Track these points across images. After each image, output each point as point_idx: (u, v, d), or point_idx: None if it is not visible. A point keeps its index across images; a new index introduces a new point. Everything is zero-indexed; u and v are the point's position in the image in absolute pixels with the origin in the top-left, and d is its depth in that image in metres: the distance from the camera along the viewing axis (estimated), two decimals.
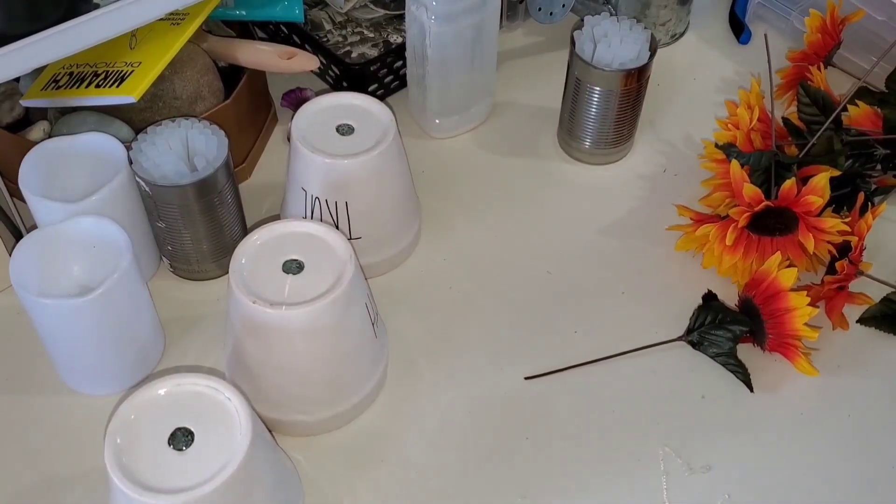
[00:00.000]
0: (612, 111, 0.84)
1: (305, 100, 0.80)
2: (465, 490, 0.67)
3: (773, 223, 0.74)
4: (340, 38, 0.95)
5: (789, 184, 0.71)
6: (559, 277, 0.80)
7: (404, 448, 0.69)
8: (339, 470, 0.68)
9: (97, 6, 0.70)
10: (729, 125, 0.80)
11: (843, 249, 0.74)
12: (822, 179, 0.71)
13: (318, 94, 0.90)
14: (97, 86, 0.75)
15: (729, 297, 0.76)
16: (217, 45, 0.84)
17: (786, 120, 0.83)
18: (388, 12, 0.96)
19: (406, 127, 0.90)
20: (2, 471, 0.67)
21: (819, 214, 0.72)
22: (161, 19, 0.76)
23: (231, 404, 0.55)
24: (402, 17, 0.94)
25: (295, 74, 0.89)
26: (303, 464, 0.68)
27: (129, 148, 0.72)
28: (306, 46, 0.93)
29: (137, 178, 0.71)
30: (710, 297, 0.76)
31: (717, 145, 0.79)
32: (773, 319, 0.71)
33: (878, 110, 0.81)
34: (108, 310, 0.65)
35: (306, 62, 0.83)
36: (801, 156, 0.78)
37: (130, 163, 0.71)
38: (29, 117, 0.82)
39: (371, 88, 0.92)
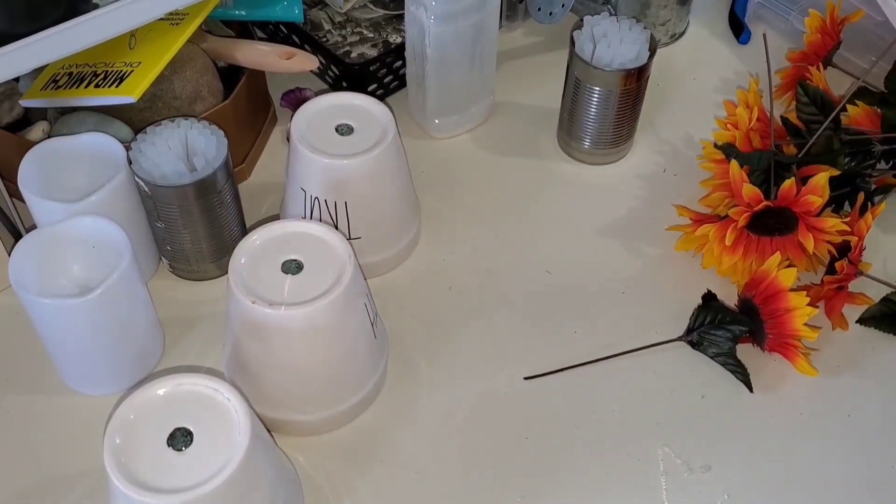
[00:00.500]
0: (611, 111, 0.84)
1: (305, 100, 0.80)
2: (465, 490, 0.67)
3: (772, 223, 0.74)
4: (340, 38, 0.95)
5: (789, 183, 0.71)
6: (559, 277, 0.80)
7: (403, 448, 0.69)
8: (338, 470, 0.68)
9: (96, 6, 0.70)
10: (728, 125, 0.80)
11: (843, 249, 0.74)
12: (821, 179, 0.71)
13: (317, 94, 0.90)
14: (96, 86, 0.75)
15: (728, 297, 0.76)
16: (216, 44, 0.84)
17: (784, 119, 0.83)
18: (387, 12, 0.96)
19: (405, 127, 0.90)
20: (1, 470, 0.67)
21: (818, 214, 0.72)
22: (160, 19, 0.76)
23: (230, 404, 0.55)
24: (401, 17, 0.94)
25: (294, 74, 0.89)
26: (302, 464, 0.68)
27: (128, 148, 0.72)
28: (306, 46, 0.93)
29: (137, 179, 0.71)
30: (709, 297, 0.76)
31: (716, 145, 0.79)
32: (772, 319, 0.71)
33: (878, 110, 0.81)
34: (108, 310, 0.65)
35: (306, 62, 0.83)
36: (800, 155, 0.78)
37: (130, 163, 0.71)
38: (28, 117, 0.82)
39: (370, 88, 0.92)
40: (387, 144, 0.72)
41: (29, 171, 0.71)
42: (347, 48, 0.94)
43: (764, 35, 0.80)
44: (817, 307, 0.70)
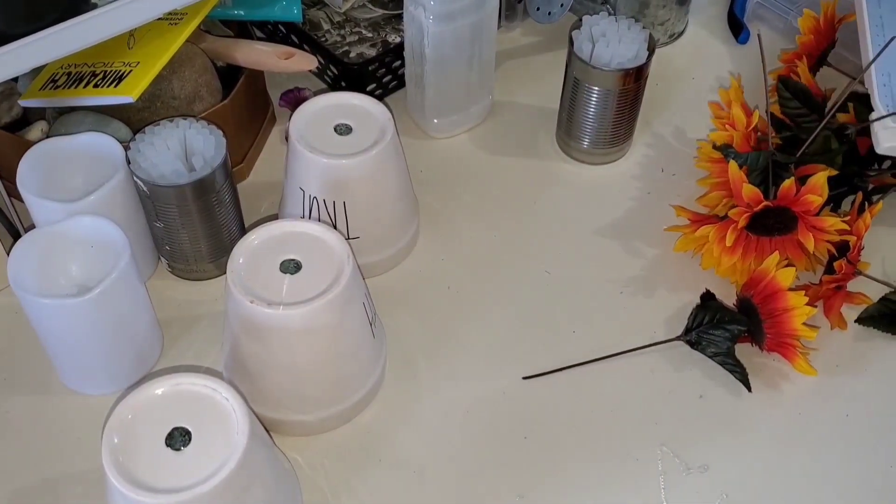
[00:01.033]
0: (610, 111, 0.84)
1: (304, 99, 0.80)
2: (464, 489, 0.67)
3: (771, 223, 0.74)
4: (339, 38, 0.95)
5: (788, 183, 0.71)
6: (557, 277, 0.80)
7: (402, 448, 0.69)
8: (337, 469, 0.68)
9: (95, 6, 0.70)
10: (726, 125, 0.80)
11: (842, 249, 0.74)
12: (820, 178, 0.71)
13: (316, 93, 0.90)
14: (95, 86, 0.75)
15: (727, 296, 0.76)
16: (215, 44, 0.84)
17: (770, 114, 0.83)
18: (386, 12, 0.96)
19: (404, 127, 0.90)
20: (0, 470, 0.67)
21: (817, 214, 0.72)
22: (159, 19, 0.76)
23: (229, 404, 0.55)
24: (400, 17, 0.94)
25: (293, 74, 0.89)
26: (300, 463, 0.68)
27: (127, 148, 0.72)
28: (304, 46, 0.93)
29: (135, 178, 0.71)
30: (708, 297, 0.76)
31: (714, 146, 0.79)
32: (771, 319, 0.71)
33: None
34: (106, 309, 0.65)
35: (304, 62, 0.83)
36: (798, 155, 0.78)
37: (128, 163, 0.71)
38: (27, 117, 0.82)
39: (369, 88, 0.92)
40: (385, 144, 0.72)
41: (28, 171, 0.71)
42: (346, 48, 0.94)
43: (759, 35, 0.80)
44: (816, 307, 0.70)
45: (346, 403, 0.69)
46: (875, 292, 0.76)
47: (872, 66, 0.79)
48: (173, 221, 0.73)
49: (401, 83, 0.94)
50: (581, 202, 0.86)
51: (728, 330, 0.72)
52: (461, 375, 0.73)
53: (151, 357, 0.73)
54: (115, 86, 0.74)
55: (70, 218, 0.68)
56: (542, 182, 0.88)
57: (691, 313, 0.74)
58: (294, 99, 0.91)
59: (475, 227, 0.84)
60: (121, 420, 0.55)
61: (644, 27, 0.83)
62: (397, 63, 0.93)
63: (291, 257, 0.64)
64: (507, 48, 1.00)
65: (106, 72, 0.76)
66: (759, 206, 0.72)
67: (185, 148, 0.73)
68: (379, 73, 0.92)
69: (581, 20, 0.84)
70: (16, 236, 0.78)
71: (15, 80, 0.82)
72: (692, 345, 0.74)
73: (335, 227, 0.68)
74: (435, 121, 0.90)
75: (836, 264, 0.73)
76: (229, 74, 0.85)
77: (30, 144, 0.73)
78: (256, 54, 0.83)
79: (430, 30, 0.81)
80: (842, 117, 0.82)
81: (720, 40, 1.02)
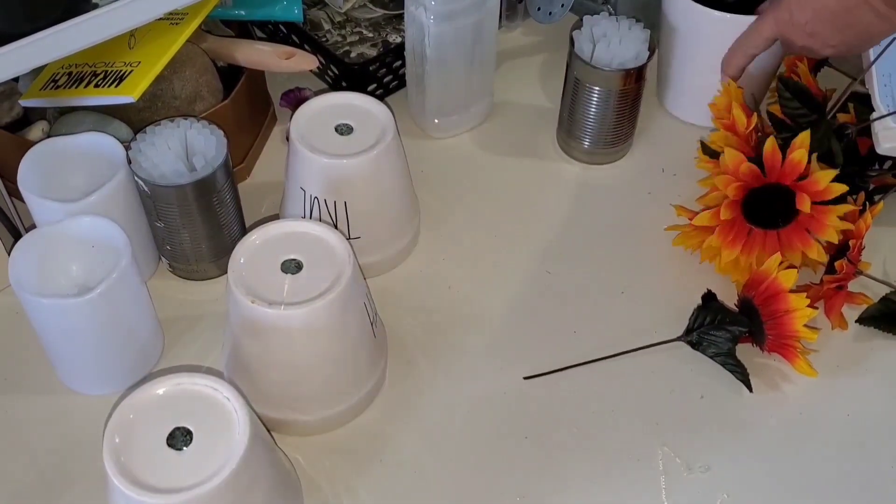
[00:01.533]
0: (610, 111, 0.84)
1: (304, 99, 0.80)
2: (464, 489, 0.67)
3: (773, 211, 0.73)
4: (339, 38, 0.95)
5: (770, 146, 0.71)
6: (558, 277, 0.80)
7: (403, 448, 0.69)
8: (337, 469, 0.68)
9: (96, 6, 0.70)
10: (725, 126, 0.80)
11: (842, 249, 0.74)
12: (802, 137, 0.71)
13: (316, 93, 0.90)
14: (96, 85, 0.75)
15: (728, 297, 0.76)
16: (216, 44, 0.84)
17: (770, 114, 0.83)
18: (386, 12, 0.96)
19: (405, 127, 0.90)
20: (0, 470, 0.67)
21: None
22: (160, 19, 0.76)
23: (230, 404, 0.55)
24: (401, 17, 0.94)
25: (294, 74, 0.89)
26: (301, 463, 0.68)
27: (127, 148, 0.72)
28: (305, 46, 0.93)
29: (136, 178, 0.71)
30: (709, 298, 0.76)
31: (703, 151, 0.79)
32: (772, 320, 0.71)
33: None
34: (107, 309, 0.65)
35: (305, 62, 0.83)
36: None
37: (129, 162, 0.71)
38: (28, 117, 0.82)
39: (370, 88, 0.92)
40: (386, 144, 0.72)
41: (28, 171, 0.71)
42: (347, 48, 0.94)
43: None
44: (817, 307, 0.70)
45: (347, 403, 0.69)
46: (876, 292, 0.76)
47: (873, 67, 0.79)
48: (174, 221, 0.73)
49: (402, 83, 0.94)
50: (582, 202, 0.86)
51: (729, 331, 0.72)
52: (462, 375, 0.73)
53: (152, 357, 0.73)
54: (116, 86, 0.74)
55: (71, 218, 0.68)
56: (542, 182, 0.88)
57: (692, 314, 0.74)
58: (295, 99, 0.91)
59: (476, 227, 0.84)
60: (122, 420, 0.55)
61: (645, 27, 0.83)
62: (398, 63, 0.93)
63: (292, 257, 0.64)
64: (508, 48, 1.00)
65: (107, 72, 0.76)
66: (746, 171, 0.72)
67: (185, 148, 0.73)
68: (380, 73, 0.92)
69: (582, 20, 0.84)
70: (16, 236, 0.78)
71: (16, 79, 0.82)
72: (693, 345, 0.74)
73: (336, 227, 0.68)
74: (436, 121, 0.90)
75: (836, 264, 0.73)
76: (230, 74, 0.85)
77: (31, 144, 0.73)
78: (257, 54, 0.83)
79: (430, 30, 0.81)
80: (842, 117, 0.82)
81: None
